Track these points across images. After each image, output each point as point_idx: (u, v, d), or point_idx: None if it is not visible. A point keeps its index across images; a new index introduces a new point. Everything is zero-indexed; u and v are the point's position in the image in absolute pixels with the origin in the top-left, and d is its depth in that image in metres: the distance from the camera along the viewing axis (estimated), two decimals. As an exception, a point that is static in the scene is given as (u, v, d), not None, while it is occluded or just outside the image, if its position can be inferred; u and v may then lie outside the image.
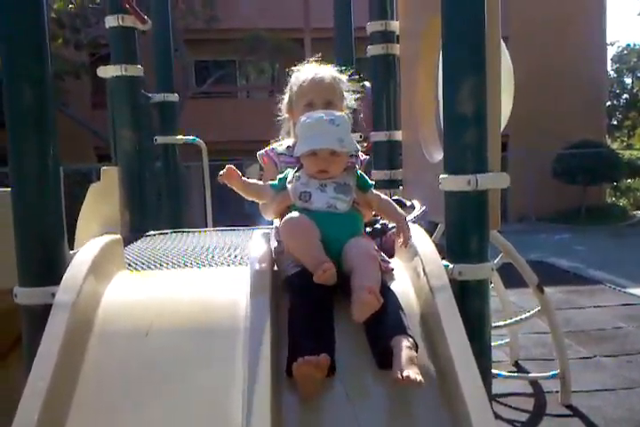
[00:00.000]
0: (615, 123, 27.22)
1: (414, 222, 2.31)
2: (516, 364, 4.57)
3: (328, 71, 2.16)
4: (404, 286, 1.91)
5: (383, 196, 2.06)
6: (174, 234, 3.01)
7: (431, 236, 2.49)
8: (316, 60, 2.22)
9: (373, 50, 3.85)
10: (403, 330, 1.63)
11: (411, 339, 1.61)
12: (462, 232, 2.04)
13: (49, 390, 1.38)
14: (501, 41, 2.64)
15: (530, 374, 4.29)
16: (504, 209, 16.87)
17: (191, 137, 4.45)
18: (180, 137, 4.30)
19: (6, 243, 1.84)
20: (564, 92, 17.21)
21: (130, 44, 3.47)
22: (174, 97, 4.30)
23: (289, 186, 1.92)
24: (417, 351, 1.60)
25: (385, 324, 1.64)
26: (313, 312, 1.67)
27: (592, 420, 3.59)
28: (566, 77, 17.16)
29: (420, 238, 1.95)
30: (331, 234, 1.81)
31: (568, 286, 7.41)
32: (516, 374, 4.31)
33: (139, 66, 3.47)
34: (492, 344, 4.65)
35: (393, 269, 1.99)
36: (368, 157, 2.31)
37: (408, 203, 2.65)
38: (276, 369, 1.56)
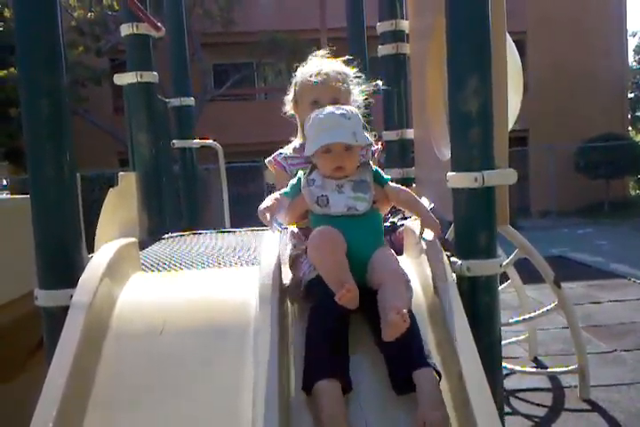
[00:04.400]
0: (639, 114, 26.78)
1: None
2: (535, 359, 4.57)
3: (333, 67, 2.07)
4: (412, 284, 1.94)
5: (402, 187, 2.00)
6: (190, 236, 3.08)
7: (445, 234, 2.51)
8: (322, 55, 2.14)
9: (384, 50, 3.88)
10: (424, 360, 1.58)
11: (433, 370, 1.56)
12: (470, 228, 2.06)
13: (66, 387, 1.44)
14: (508, 38, 2.66)
15: (547, 370, 4.29)
16: (526, 204, 16.77)
17: (208, 140, 4.53)
18: (196, 140, 4.38)
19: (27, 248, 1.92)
20: (585, 84, 17.04)
21: (145, 52, 3.54)
22: (190, 101, 4.38)
23: (303, 191, 1.85)
24: (440, 380, 1.57)
25: (405, 352, 1.59)
26: (332, 328, 1.63)
27: (611, 414, 3.58)
28: (586, 70, 17.00)
29: (426, 236, 1.97)
30: (354, 242, 1.75)
31: (590, 280, 7.37)
32: (531, 369, 4.30)
33: (154, 72, 3.54)
34: (511, 340, 4.67)
35: (409, 281, 1.91)
36: (380, 146, 2.25)
37: (417, 200, 2.67)
38: (285, 390, 1.57)
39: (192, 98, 4.41)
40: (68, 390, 1.44)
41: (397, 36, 3.83)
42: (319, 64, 2.08)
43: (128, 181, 3.48)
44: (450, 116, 2.13)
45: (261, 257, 1.84)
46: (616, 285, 7.14)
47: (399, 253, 2.22)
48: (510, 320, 4.17)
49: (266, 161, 2.18)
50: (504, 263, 3.92)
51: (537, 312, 3.98)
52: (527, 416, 3.67)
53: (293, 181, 1.91)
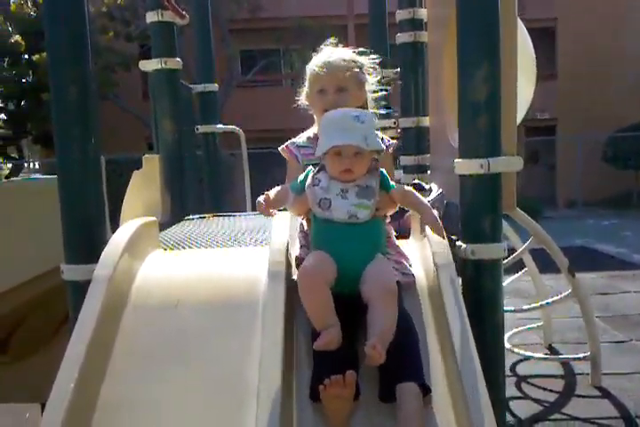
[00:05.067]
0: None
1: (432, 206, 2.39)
2: (550, 347, 4.62)
3: (342, 54, 2.01)
4: (414, 267, 2.01)
5: (406, 188, 1.94)
6: (210, 218, 3.19)
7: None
8: (335, 43, 2.09)
9: (402, 37, 3.93)
10: (411, 374, 1.59)
11: (418, 385, 1.56)
12: (475, 214, 2.13)
13: (86, 355, 1.55)
14: (522, 27, 2.67)
15: (559, 356, 4.34)
16: (553, 194, 16.61)
17: (231, 126, 4.63)
18: (219, 126, 4.47)
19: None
20: (615, 73, 16.73)
21: (169, 39, 3.63)
22: (214, 87, 4.47)
23: (307, 190, 1.82)
24: (426, 395, 1.57)
25: (393, 364, 1.58)
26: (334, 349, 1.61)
27: (621, 401, 3.62)
28: (617, 58, 16.68)
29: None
30: (351, 251, 1.74)
31: (612, 271, 7.34)
32: (544, 356, 4.35)
33: (178, 59, 3.63)
34: (526, 327, 4.70)
35: (414, 282, 1.95)
36: (396, 141, 2.27)
37: (427, 186, 2.73)
38: (291, 358, 1.65)
39: (216, 84, 4.50)
40: (86, 360, 1.55)
41: (415, 25, 3.87)
42: (329, 53, 2.03)
43: (152, 164, 3.60)
44: (459, 104, 2.19)
45: (272, 236, 1.94)
46: (637, 276, 7.11)
47: (407, 236, 2.31)
48: (524, 307, 4.23)
49: (279, 149, 2.16)
50: (519, 250, 3.97)
51: (549, 300, 4.02)
52: (537, 401, 3.73)
53: (301, 176, 1.88)
